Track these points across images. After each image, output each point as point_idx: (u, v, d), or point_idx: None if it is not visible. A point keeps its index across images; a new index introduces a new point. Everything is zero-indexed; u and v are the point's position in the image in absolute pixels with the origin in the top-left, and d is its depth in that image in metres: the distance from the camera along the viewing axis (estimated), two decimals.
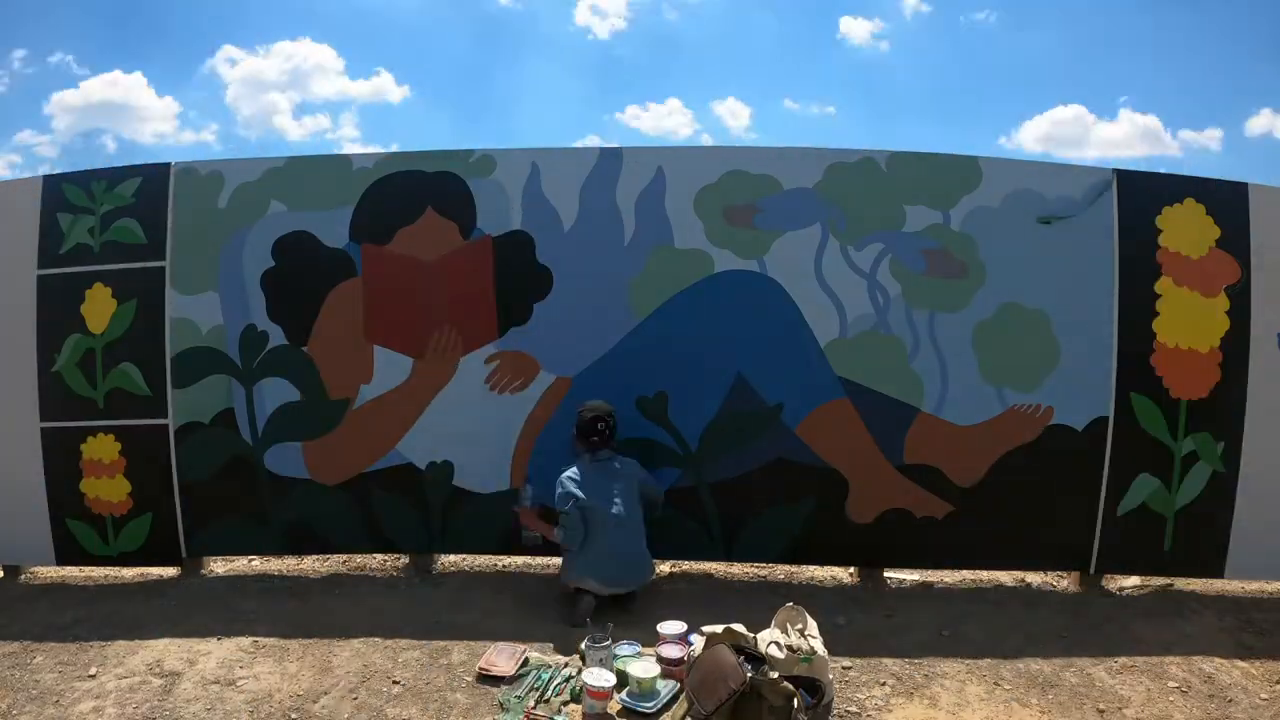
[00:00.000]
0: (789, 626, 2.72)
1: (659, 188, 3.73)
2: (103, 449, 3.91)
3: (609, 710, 2.62)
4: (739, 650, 2.55)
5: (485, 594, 3.70)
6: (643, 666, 2.70)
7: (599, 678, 2.64)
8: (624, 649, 2.93)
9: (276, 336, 3.85)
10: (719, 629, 2.70)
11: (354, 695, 2.82)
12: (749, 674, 2.42)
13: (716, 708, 2.36)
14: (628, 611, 3.37)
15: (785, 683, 2.42)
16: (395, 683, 2.89)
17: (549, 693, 2.74)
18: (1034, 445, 3.66)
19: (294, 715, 2.71)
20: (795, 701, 2.40)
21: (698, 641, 2.77)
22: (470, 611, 3.50)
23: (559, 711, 2.64)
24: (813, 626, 2.75)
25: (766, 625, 2.81)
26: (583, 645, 2.87)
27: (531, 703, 2.68)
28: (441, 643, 3.18)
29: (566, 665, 2.94)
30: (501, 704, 2.67)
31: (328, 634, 3.29)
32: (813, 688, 2.55)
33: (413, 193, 3.81)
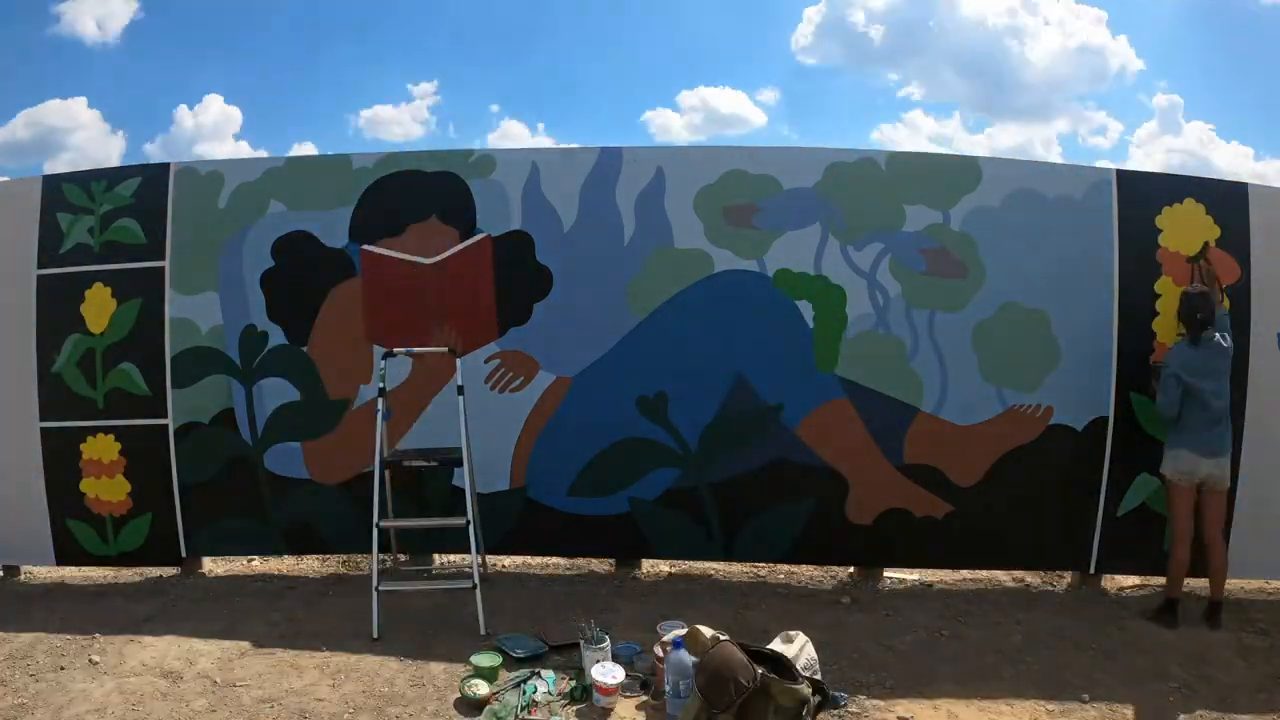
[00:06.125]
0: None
1: (659, 188, 3.73)
2: (103, 449, 3.91)
3: (617, 705, 2.65)
4: (745, 649, 2.54)
5: (485, 594, 3.69)
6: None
7: (607, 674, 2.67)
8: (621, 649, 2.94)
9: (276, 336, 3.85)
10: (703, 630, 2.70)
11: (353, 694, 2.81)
12: (758, 672, 2.42)
13: (728, 705, 2.36)
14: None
15: (800, 686, 2.42)
16: (395, 682, 2.89)
17: (543, 695, 2.74)
18: (1034, 445, 3.66)
19: (293, 714, 2.70)
20: (805, 708, 2.40)
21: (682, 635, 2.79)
22: (470, 611, 3.49)
23: (556, 713, 2.64)
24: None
25: (766, 625, 2.81)
26: (580, 644, 2.88)
27: (529, 702, 2.68)
28: (440, 642, 3.18)
29: (558, 668, 2.94)
30: (495, 714, 2.65)
31: (327, 634, 3.29)
32: (818, 691, 2.55)
33: (412, 193, 3.81)
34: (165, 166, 3.93)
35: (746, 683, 2.38)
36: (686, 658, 2.59)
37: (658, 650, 2.78)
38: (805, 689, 2.43)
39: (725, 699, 2.37)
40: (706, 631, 2.68)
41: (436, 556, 4.10)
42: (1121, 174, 3.65)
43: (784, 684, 2.40)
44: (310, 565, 4.20)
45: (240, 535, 3.96)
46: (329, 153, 3.97)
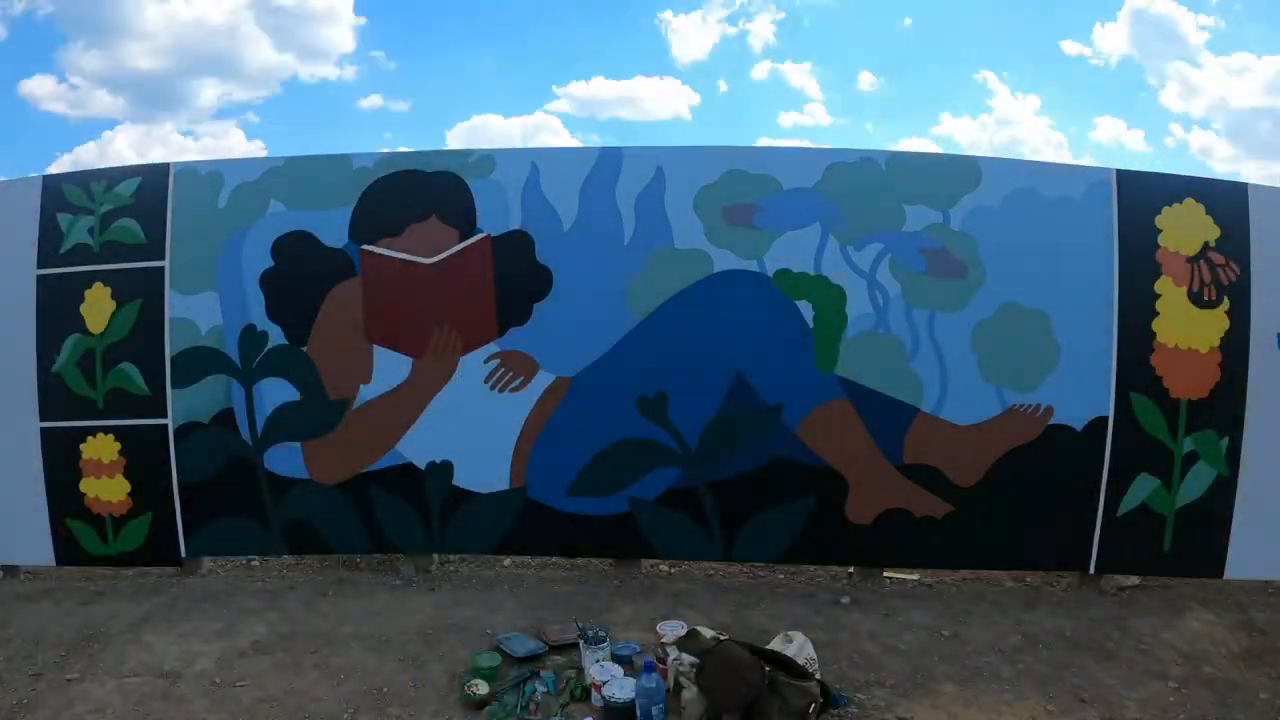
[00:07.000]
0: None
1: (659, 187, 3.73)
2: (102, 449, 3.91)
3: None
4: (751, 649, 2.54)
5: (484, 594, 3.70)
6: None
7: (606, 674, 2.66)
8: (621, 649, 2.94)
9: (276, 336, 3.85)
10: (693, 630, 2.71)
11: (353, 695, 2.82)
12: (767, 670, 2.41)
13: (736, 706, 2.34)
14: None
15: (810, 685, 2.41)
16: (394, 683, 2.89)
17: (543, 695, 2.75)
18: (1034, 445, 3.66)
19: (293, 714, 2.71)
20: (813, 707, 2.39)
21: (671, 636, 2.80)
22: (469, 611, 3.50)
23: (556, 713, 2.64)
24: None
25: (766, 625, 2.81)
26: (580, 644, 2.88)
27: (529, 702, 2.69)
28: (441, 642, 3.19)
29: (558, 668, 2.94)
30: (495, 714, 2.65)
31: (327, 634, 3.29)
32: (825, 692, 2.55)
33: (412, 192, 3.81)
34: (165, 166, 3.93)
35: (756, 682, 2.36)
36: (657, 680, 2.50)
37: (657, 651, 2.78)
38: (815, 687, 2.43)
39: (733, 699, 2.35)
40: (706, 632, 2.69)
41: (436, 556, 4.10)
42: (1121, 174, 3.65)
43: (794, 683, 2.38)
44: (310, 565, 4.20)
45: (240, 535, 3.96)
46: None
